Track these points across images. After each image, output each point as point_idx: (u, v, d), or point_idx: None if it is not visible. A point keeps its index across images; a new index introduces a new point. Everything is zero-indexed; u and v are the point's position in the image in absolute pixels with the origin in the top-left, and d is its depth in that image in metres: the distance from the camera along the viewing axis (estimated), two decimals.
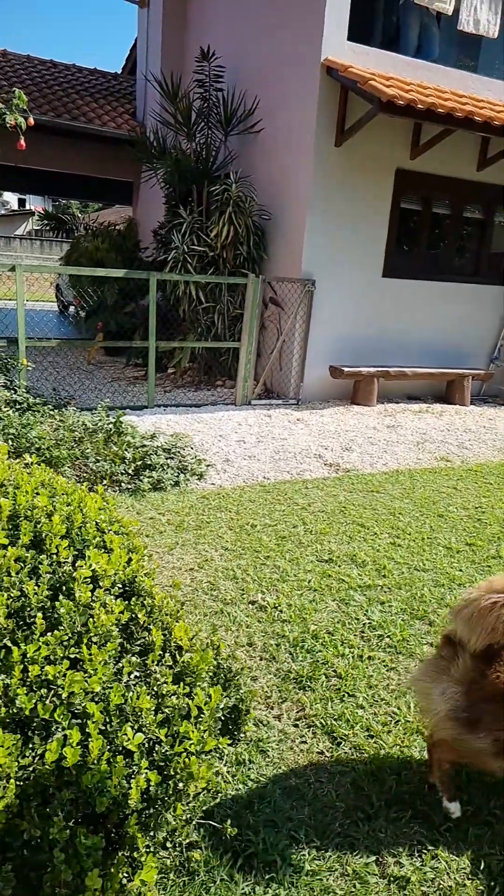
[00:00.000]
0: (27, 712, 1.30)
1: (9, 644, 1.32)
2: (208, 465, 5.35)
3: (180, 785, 1.38)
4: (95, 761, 1.26)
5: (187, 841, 1.79)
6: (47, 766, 1.25)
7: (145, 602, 1.54)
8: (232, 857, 1.87)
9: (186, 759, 1.37)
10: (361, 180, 7.53)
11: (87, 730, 1.30)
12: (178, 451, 5.33)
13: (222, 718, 1.67)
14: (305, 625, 3.09)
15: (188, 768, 1.35)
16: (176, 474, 4.98)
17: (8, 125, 4.54)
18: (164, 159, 8.46)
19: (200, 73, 8.24)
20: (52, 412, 5.80)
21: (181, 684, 1.48)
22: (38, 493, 1.62)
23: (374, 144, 7.38)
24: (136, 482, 4.74)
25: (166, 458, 5.15)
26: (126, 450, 5.08)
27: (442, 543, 4.15)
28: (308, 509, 4.57)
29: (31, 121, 4.77)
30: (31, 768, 1.26)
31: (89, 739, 1.29)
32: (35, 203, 41.56)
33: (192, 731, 1.41)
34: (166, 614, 1.59)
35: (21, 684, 1.33)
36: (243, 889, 1.79)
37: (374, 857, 1.92)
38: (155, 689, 1.46)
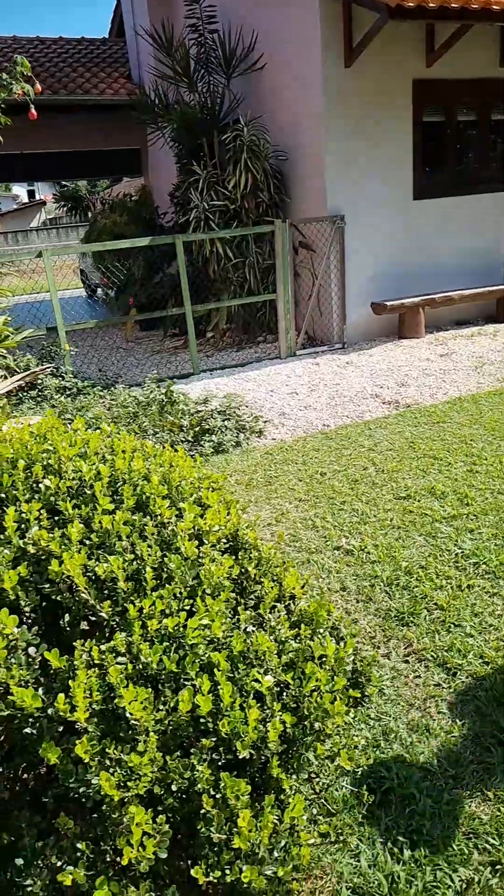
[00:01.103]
0: (154, 666, 1.28)
1: (128, 606, 1.31)
2: (265, 422, 5.29)
3: (316, 724, 1.35)
4: (229, 708, 1.24)
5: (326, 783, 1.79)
6: (183, 717, 1.24)
7: (252, 555, 1.51)
8: (369, 794, 1.87)
9: (318, 698, 1.34)
10: (378, 99, 7.12)
11: (215, 678, 1.28)
12: (234, 412, 5.28)
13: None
14: (396, 563, 3.03)
15: (322, 706, 1.33)
16: (235, 435, 4.94)
17: (16, 94, 4.42)
18: (169, 116, 8.19)
19: (192, 17, 7.88)
20: (101, 393, 5.82)
21: (301, 628, 1.44)
22: (133, 458, 1.59)
23: (386, 58, 6.94)
24: (197, 448, 4.73)
25: (223, 421, 5.11)
26: (182, 418, 5.06)
27: None
28: (375, 450, 4.47)
29: (39, 87, 4.63)
30: (166, 721, 1.25)
31: (218, 687, 1.27)
32: (45, 193, 41.38)
33: (319, 671, 1.38)
34: (275, 566, 1.55)
35: (142, 640, 1.32)
36: (386, 824, 1.78)
37: None
38: (274, 636, 1.43)
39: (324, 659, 1.38)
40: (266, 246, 7.81)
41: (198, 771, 1.16)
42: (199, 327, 8.29)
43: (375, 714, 2.17)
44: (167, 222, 9.84)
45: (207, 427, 4.95)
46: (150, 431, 4.87)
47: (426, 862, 1.66)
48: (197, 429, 4.93)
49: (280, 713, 1.26)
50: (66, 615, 1.31)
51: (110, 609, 1.30)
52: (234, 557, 1.48)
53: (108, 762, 1.20)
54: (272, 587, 1.45)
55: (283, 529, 3.48)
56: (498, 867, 1.64)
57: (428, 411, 5.16)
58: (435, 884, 1.61)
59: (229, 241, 7.73)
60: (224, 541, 1.52)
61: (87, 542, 1.39)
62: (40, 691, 1.25)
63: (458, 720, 2.12)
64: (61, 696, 1.19)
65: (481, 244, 8.21)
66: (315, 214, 7.45)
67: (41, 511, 1.46)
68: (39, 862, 1.13)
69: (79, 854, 1.12)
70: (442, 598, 2.73)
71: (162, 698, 1.29)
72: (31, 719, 1.22)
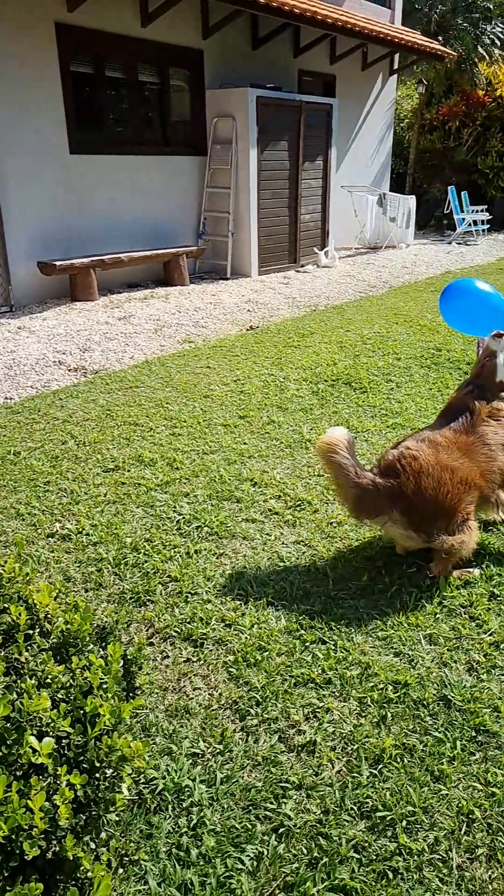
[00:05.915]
0: None
1: None
2: None
3: (108, 771, 1.12)
4: (3, 802, 0.94)
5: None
6: None
7: None
8: (140, 800, 1.70)
9: (108, 741, 1.11)
10: (19, 36, 6.45)
11: None
12: None
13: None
14: (120, 540, 2.84)
15: (115, 751, 1.10)
16: None
17: None
18: None
19: None
20: None
21: (67, 657, 1.17)
22: None
23: None
24: None
25: None
26: None
27: (218, 423, 4.13)
28: (71, 421, 4.15)
29: None
30: None
31: None
32: None
33: (101, 705, 1.14)
34: (17, 582, 1.22)
35: None
36: (167, 828, 1.64)
37: (276, 736, 1.91)
38: (36, 678, 1.13)
39: (104, 686, 1.13)
40: None
41: None
42: None
43: (132, 709, 1.99)
44: None
45: None
46: None
47: (214, 854, 1.58)
48: None
49: (66, 777, 0.99)
50: None
51: None
52: None
53: None
54: (20, 613, 1.14)
55: None
56: (280, 830, 1.64)
57: (119, 376, 5.00)
58: (228, 874, 1.53)
59: None
60: None
61: None
62: None
63: (213, 692, 2.07)
64: None
65: (147, 206, 8.22)
66: None
67: None
68: None
69: None
70: (174, 570, 2.64)
71: None
72: None
